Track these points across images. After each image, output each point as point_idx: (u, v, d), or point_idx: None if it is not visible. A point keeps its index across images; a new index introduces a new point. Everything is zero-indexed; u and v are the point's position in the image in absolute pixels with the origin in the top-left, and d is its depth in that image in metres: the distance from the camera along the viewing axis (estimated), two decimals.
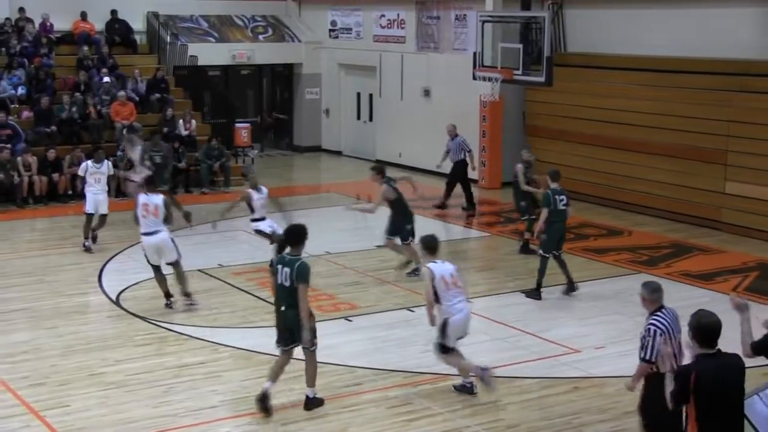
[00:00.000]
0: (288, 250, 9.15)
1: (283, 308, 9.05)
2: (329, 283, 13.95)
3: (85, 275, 14.08)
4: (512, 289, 13.65)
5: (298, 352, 9.91)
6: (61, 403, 9.50)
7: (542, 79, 18.89)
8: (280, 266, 9.02)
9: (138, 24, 25.23)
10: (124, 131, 20.72)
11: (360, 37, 25.64)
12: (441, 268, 9.59)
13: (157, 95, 22.85)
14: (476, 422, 9.12)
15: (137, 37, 25.00)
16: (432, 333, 11.70)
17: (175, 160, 21.04)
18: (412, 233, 13.77)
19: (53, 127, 20.83)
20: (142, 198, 12.39)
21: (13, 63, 21.96)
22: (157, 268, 12.52)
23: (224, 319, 12.21)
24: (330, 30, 26.54)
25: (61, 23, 24.04)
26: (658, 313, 7.49)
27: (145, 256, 12.53)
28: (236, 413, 9.11)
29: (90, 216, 15.48)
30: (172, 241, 12.48)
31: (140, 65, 23.67)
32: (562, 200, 13.01)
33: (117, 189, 19.24)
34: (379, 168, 14.24)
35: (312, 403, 9.33)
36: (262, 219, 14.15)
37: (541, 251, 13.12)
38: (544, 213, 13.00)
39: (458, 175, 19.29)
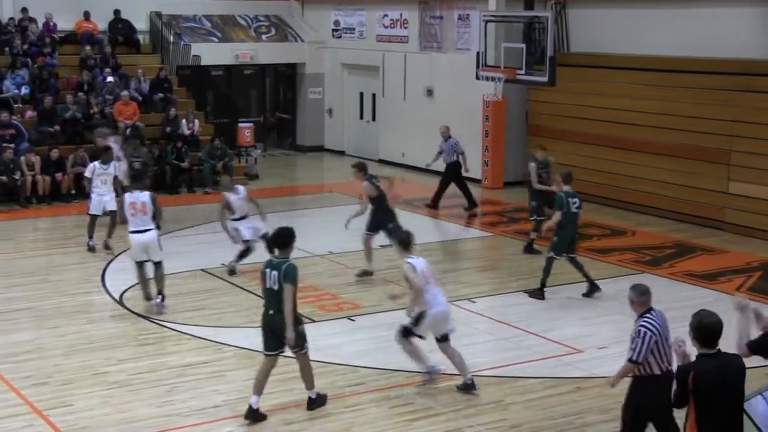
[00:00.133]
0: (276, 252, 9.02)
1: (271, 312, 8.91)
2: (332, 282, 13.95)
3: (88, 275, 14.09)
4: (515, 289, 13.65)
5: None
6: (64, 402, 9.51)
7: (545, 78, 18.87)
8: (268, 270, 8.89)
9: (141, 24, 25.25)
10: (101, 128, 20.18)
11: (363, 36, 25.64)
12: (418, 262, 9.63)
13: (160, 95, 22.87)
14: (479, 422, 9.11)
15: (140, 37, 25.03)
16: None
17: (178, 159, 21.07)
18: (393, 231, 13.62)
19: (56, 127, 20.85)
20: (129, 197, 12.35)
21: (16, 63, 21.99)
22: (141, 266, 12.41)
23: (227, 319, 12.21)
24: (333, 30, 26.55)
25: (65, 23, 24.08)
26: (647, 315, 7.54)
27: (132, 252, 12.49)
28: (239, 413, 9.10)
29: (94, 218, 15.40)
30: (159, 240, 12.44)
31: (143, 65, 23.69)
32: (575, 203, 12.94)
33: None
34: (361, 165, 14.14)
35: (315, 403, 9.32)
36: (243, 218, 14.13)
37: (551, 253, 13.02)
38: (557, 215, 12.96)
39: (451, 176, 19.26)
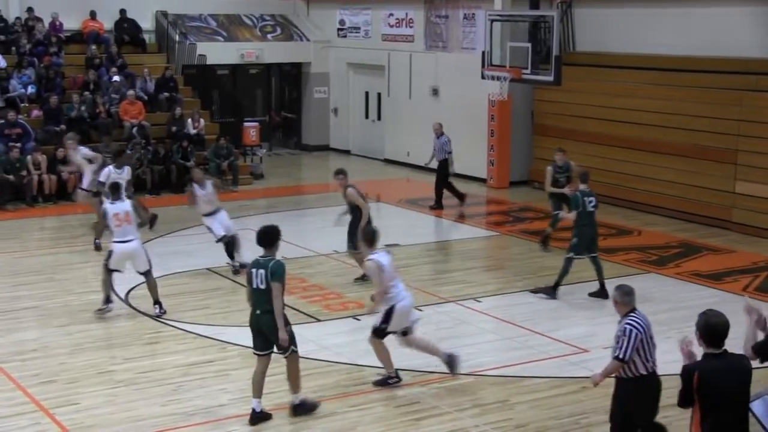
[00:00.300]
0: (262, 252, 8.88)
1: (258, 312, 8.79)
2: (337, 282, 13.95)
3: (95, 273, 14.07)
4: (521, 289, 13.64)
5: (303, 352, 9.94)
6: (71, 400, 9.53)
7: (551, 78, 18.83)
8: (254, 269, 8.74)
9: (147, 23, 25.29)
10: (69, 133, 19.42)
11: (368, 36, 25.63)
12: (383, 258, 9.58)
13: (166, 94, 22.89)
14: (484, 422, 9.11)
15: (146, 36, 25.06)
16: (440, 333, 11.75)
17: (184, 159, 21.09)
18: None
19: (62, 126, 20.88)
20: (112, 208, 12.05)
21: (23, 62, 22.03)
22: (110, 272, 12.13)
23: (233, 318, 12.21)
24: (338, 29, 26.55)
25: (71, 22, 24.12)
26: (632, 315, 7.57)
27: (108, 259, 12.14)
28: (245, 411, 9.10)
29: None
30: (144, 250, 12.34)
31: (149, 64, 23.72)
32: (591, 202, 12.88)
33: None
34: (344, 171, 13.84)
35: (299, 409, 9.06)
36: (213, 213, 14.10)
37: (571, 253, 12.93)
38: (573, 215, 12.95)
39: (442, 171, 19.28)
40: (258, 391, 8.95)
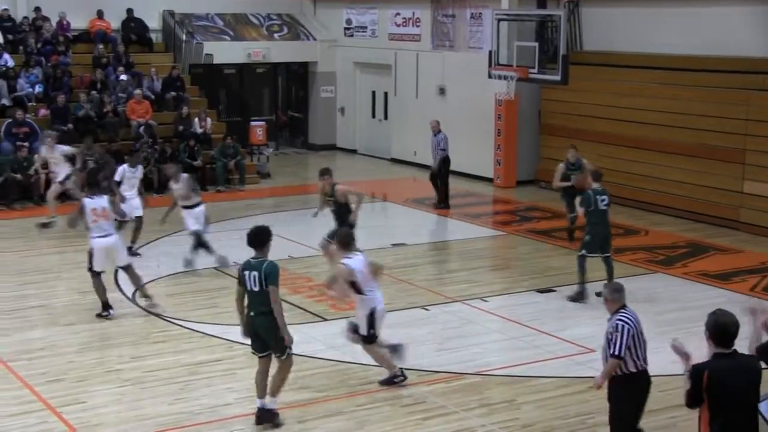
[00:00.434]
0: (253, 253, 8.73)
1: (252, 314, 8.69)
2: None
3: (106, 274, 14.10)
4: (527, 288, 13.63)
5: (310, 351, 9.95)
6: (78, 399, 9.55)
7: (558, 77, 18.81)
8: (246, 272, 8.60)
9: (154, 22, 25.32)
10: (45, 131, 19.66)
11: (375, 35, 25.63)
12: (356, 262, 9.51)
13: (173, 93, 22.92)
14: (491, 421, 9.10)
15: (153, 36, 25.10)
16: (446, 332, 11.75)
17: (191, 158, 21.11)
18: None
19: (70, 125, 20.93)
20: (89, 202, 11.94)
21: (30, 61, 22.08)
22: (98, 275, 12.05)
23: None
24: (345, 28, 26.55)
25: (78, 22, 24.15)
26: (622, 312, 7.64)
27: (90, 261, 12.03)
28: (252, 411, 9.10)
29: (124, 223, 14.92)
30: (123, 245, 12.31)
31: (156, 63, 23.76)
32: (603, 200, 12.82)
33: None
34: (330, 170, 13.61)
35: (267, 415, 8.83)
36: (191, 207, 14.10)
37: (583, 251, 12.89)
38: (583, 212, 12.97)
39: (444, 170, 19.30)
40: (262, 391, 8.93)
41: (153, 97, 22.60)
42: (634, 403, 7.70)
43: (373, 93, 26.11)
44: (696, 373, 6.24)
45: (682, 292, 13.55)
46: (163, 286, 13.63)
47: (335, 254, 10.02)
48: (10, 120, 20.24)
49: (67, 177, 17.50)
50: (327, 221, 13.87)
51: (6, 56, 21.93)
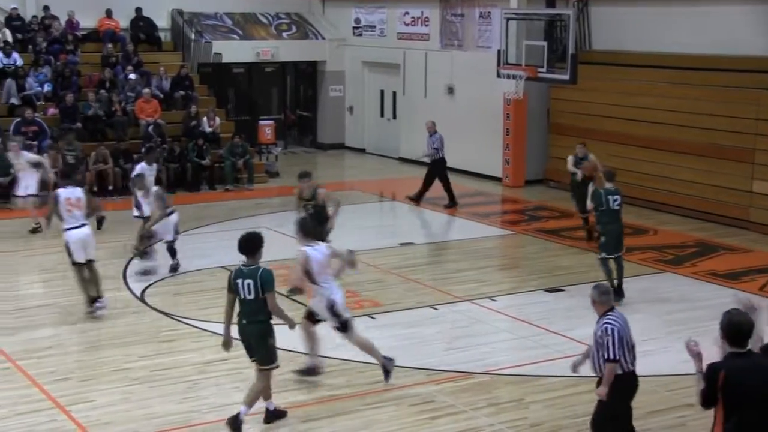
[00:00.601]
0: (244, 260, 8.61)
1: (244, 322, 8.58)
2: (352, 280, 13.90)
3: (110, 272, 14.12)
4: (535, 288, 13.60)
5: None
6: (86, 398, 9.56)
7: (567, 76, 18.80)
8: (239, 280, 8.47)
9: (162, 21, 25.35)
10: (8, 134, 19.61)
11: (384, 34, 25.62)
12: (314, 251, 9.48)
13: (182, 92, 22.95)
14: (499, 420, 9.09)
15: (162, 35, 25.13)
16: (455, 332, 11.74)
17: (199, 157, 21.14)
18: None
19: (78, 124, 20.98)
20: (64, 193, 11.90)
21: (39, 60, 22.14)
22: (81, 267, 11.99)
23: None
24: (354, 27, 26.55)
25: (87, 21, 24.21)
26: (610, 314, 7.59)
27: (69, 254, 11.95)
28: (259, 410, 9.11)
29: (146, 220, 14.80)
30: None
31: (165, 62, 23.79)
32: (615, 200, 12.72)
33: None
34: (310, 173, 13.53)
35: (235, 423, 8.60)
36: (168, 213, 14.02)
37: (603, 254, 12.77)
38: (591, 207, 13.01)
39: (439, 172, 19.35)
40: (267, 394, 8.92)
41: (162, 96, 22.62)
42: (626, 403, 7.68)
43: (382, 92, 26.11)
44: (712, 372, 6.20)
45: (691, 291, 13.51)
46: (171, 285, 13.64)
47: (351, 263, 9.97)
48: (19, 119, 20.29)
49: (29, 195, 17.00)
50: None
51: (15, 55, 21.99)
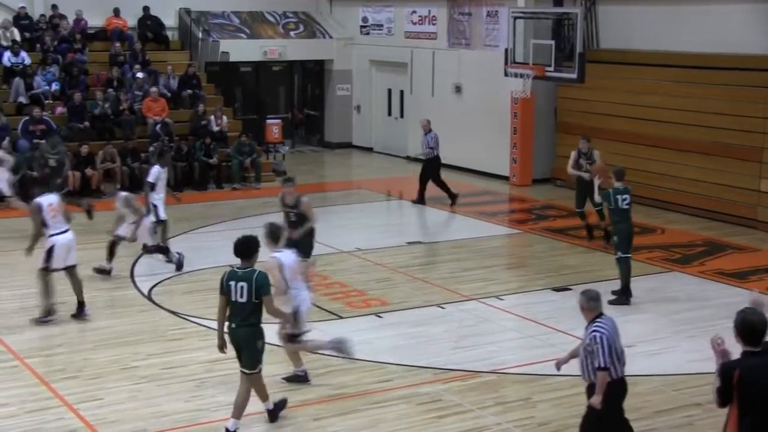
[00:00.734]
0: (239, 263, 8.49)
1: (233, 326, 8.45)
2: (360, 279, 13.97)
3: (118, 270, 14.16)
4: (543, 287, 13.60)
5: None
6: (95, 396, 9.59)
7: (574, 75, 18.79)
8: (233, 282, 8.34)
9: (170, 20, 25.38)
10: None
11: (391, 33, 25.62)
12: (286, 257, 9.45)
13: (189, 91, 22.97)
14: (506, 419, 9.09)
15: (169, 34, 25.15)
16: (462, 330, 11.74)
17: (207, 156, 21.17)
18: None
19: (86, 123, 21.02)
20: (45, 199, 11.79)
21: (47, 59, 22.18)
22: (51, 275, 11.83)
23: None
24: (361, 26, 26.55)
25: (95, 20, 24.25)
26: (598, 321, 7.51)
27: (47, 260, 11.75)
28: (262, 411, 9.12)
29: (165, 223, 14.79)
30: None
31: (172, 61, 23.82)
32: (625, 199, 12.68)
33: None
34: (294, 179, 13.38)
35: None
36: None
37: (619, 253, 12.71)
38: (599, 199, 12.97)
39: (433, 170, 19.38)
40: (264, 396, 8.84)
41: (169, 95, 22.65)
42: (617, 409, 7.64)
43: (389, 91, 26.11)
44: (726, 371, 6.18)
45: (699, 291, 13.49)
46: (179, 284, 13.67)
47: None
48: (27, 117, 20.33)
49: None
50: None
51: (23, 54, 22.03)
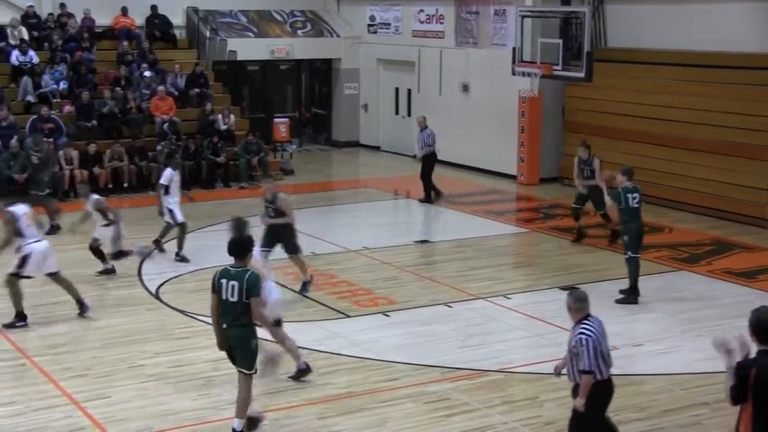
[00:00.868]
0: (233, 262, 8.43)
1: (224, 326, 8.38)
2: (367, 278, 13.97)
3: (125, 269, 14.19)
4: (550, 286, 13.58)
5: (332, 348, 9.94)
6: (102, 394, 9.61)
7: (582, 74, 18.74)
8: (224, 280, 8.29)
9: (178, 19, 25.41)
10: None
11: (399, 32, 25.61)
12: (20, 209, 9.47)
13: (197, 90, 23.00)
14: (513, 419, 9.09)
15: (177, 32, 25.18)
16: (469, 329, 11.74)
17: (214, 154, 21.19)
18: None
19: (94, 122, 21.07)
20: (20, 209, 11.68)
21: (55, 58, 22.23)
22: (19, 280, 11.68)
23: None
24: (369, 25, 26.55)
25: (102, 18, 24.30)
26: (585, 322, 7.46)
27: (20, 267, 11.60)
28: (273, 407, 9.14)
29: (184, 226, 14.84)
30: None
31: (180, 60, 23.85)
32: (634, 198, 12.64)
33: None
34: (273, 175, 13.43)
35: (249, 426, 8.55)
36: (108, 224, 13.93)
37: (629, 253, 12.67)
38: (615, 211, 12.85)
39: (428, 166, 19.42)
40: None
41: (177, 93, 22.68)
42: (602, 410, 7.61)
43: (397, 90, 26.10)
44: (743, 370, 6.15)
45: (707, 290, 13.46)
46: (186, 283, 13.69)
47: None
48: (35, 116, 20.37)
49: None
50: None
51: (31, 53, 22.08)
